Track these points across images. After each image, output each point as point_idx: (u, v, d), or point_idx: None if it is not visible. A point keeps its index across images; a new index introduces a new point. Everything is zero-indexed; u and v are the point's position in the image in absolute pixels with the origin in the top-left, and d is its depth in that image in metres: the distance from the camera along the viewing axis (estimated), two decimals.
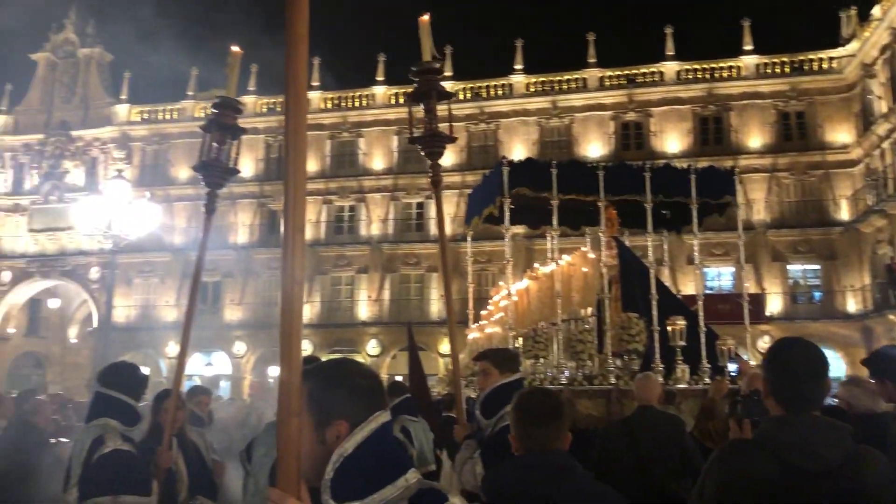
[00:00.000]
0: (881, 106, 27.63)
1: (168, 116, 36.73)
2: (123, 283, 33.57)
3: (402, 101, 33.12)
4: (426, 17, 3.63)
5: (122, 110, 37.06)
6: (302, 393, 1.57)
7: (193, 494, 4.12)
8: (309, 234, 33.40)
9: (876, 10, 28.24)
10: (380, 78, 34.53)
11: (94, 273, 34.75)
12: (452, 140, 3.86)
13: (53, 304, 35.75)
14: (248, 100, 35.08)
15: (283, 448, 1.46)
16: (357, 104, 34.80)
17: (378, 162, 34.03)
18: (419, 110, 3.82)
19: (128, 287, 34.59)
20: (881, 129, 27.44)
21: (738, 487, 2.23)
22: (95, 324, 33.96)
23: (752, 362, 9.75)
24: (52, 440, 6.23)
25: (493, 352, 4.54)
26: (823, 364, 2.34)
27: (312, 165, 34.32)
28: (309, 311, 32.93)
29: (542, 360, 8.29)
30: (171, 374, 32.15)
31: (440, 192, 4.00)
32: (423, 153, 3.85)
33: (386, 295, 32.73)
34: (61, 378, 36.27)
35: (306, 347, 32.22)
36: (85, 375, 32.26)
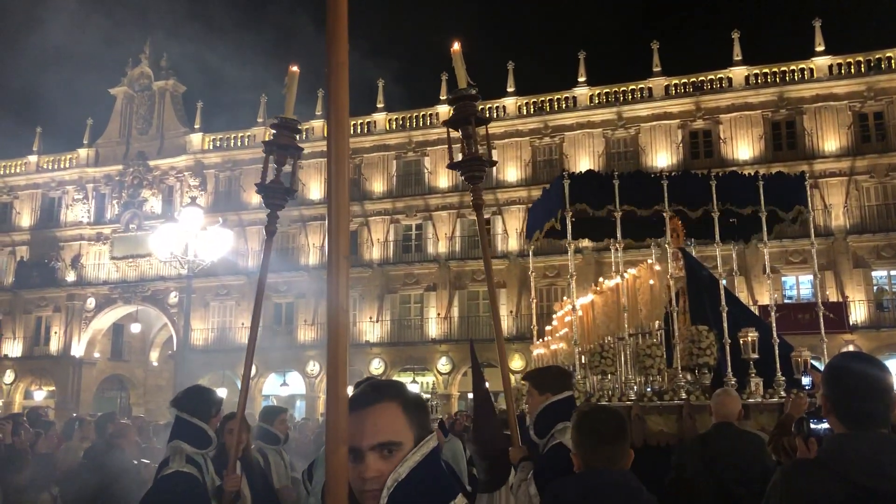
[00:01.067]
0: None
1: (239, 143, 37.83)
2: (200, 306, 34.58)
3: None
4: (457, 47, 3.69)
5: (196, 139, 38.33)
6: (392, 409, 1.59)
7: None
8: (377, 253, 33.91)
9: None
10: (443, 97, 34.81)
11: (173, 298, 35.91)
12: (493, 164, 3.92)
13: (135, 328, 37.06)
14: (317, 124, 35.84)
15: (332, 476, 1.44)
16: (421, 123, 35.14)
17: (443, 180, 34.23)
18: (458, 135, 3.90)
19: (205, 310, 35.60)
20: None
21: None
22: (175, 347, 35.05)
23: None
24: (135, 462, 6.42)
25: (534, 373, 4.54)
26: (886, 379, 2.23)
27: (379, 186, 34.81)
28: (380, 330, 33.27)
29: (609, 376, 8.15)
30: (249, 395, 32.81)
31: (482, 214, 4.07)
32: (462, 177, 3.93)
33: (455, 312, 32.79)
34: (144, 400, 37.57)
35: (378, 366, 32.53)
36: (166, 397, 33.25)
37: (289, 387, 34.59)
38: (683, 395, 7.69)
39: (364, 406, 1.57)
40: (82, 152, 40.03)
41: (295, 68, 4.04)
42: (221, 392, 4.47)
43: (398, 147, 35.04)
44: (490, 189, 30.94)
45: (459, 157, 3.86)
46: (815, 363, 9.19)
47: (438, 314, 32.92)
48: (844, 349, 25.77)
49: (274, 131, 4.12)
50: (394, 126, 35.46)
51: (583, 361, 8.46)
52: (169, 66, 39.92)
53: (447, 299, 32.90)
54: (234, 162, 37.36)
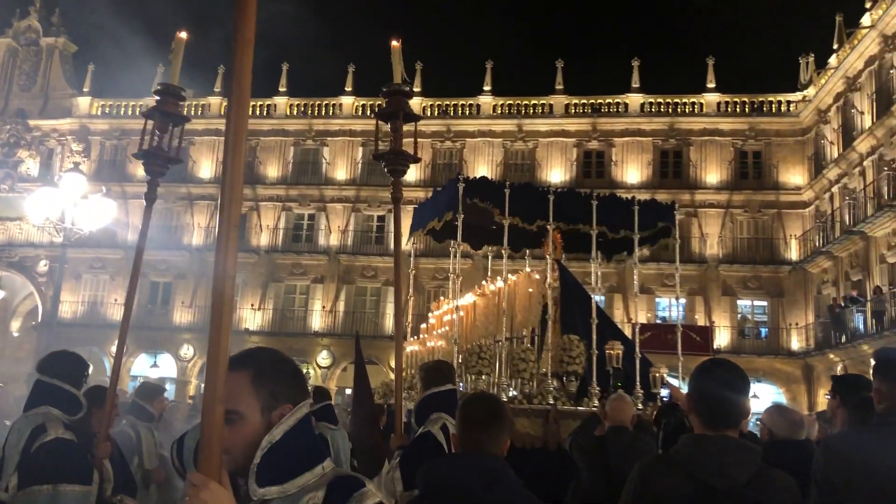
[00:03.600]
0: (833, 151, 28.54)
1: (130, 112, 36.27)
2: (72, 277, 32.91)
3: (369, 113, 33.22)
4: (397, 43, 3.81)
5: (84, 103, 36.49)
6: (240, 379, 1.64)
7: (116, 492, 4.09)
8: (265, 240, 33.28)
9: (832, 59, 29.22)
10: (348, 88, 34.59)
11: (43, 266, 34.01)
12: (416, 160, 4.04)
13: None
14: (214, 101, 34.85)
15: (206, 435, 1.50)
16: (323, 113, 34.76)
17: (341, 172, 34.00)
18: (386, 128, 4.00)
19: (76, 282, 33.91)
20: (831, 173, 28.34)
21: (654, 499, 2.35)
22: (40, 318, 33.21)
23: (684, 389, 10.05)
24: None
25: (422, 367, 4.74)
26: (744, 385, 2.46)
27: (274, 171, 34.19)
28: (261, 319, 32.67)
29: (484, 377, 8.39)
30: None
31: (399, 208, 4.17)
32: (386, 169, 4.03)
33: (341, 306, 32.60)
34: None
35: None
36: (25, 370, 31.43)
37: (159, 368, 33.40)
38: (551, 401, 8.03)
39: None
40: None
41: (183, 34, 4.00)
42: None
43: (297, 134, 34.53)
44: (387, 186, 31.01)
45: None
46: (673, 380, 9.85)
47: (323, 307, 32.64)
48: None
49: (157, 97, 4.06)
50: (295, 112, 34.92)
51: (460, 360, 8.67)
52: (61, 24, 37.79)
53: (334, 293, 32.67)
54: (122, 130, 35.77)
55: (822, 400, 20.53)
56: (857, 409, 3.26)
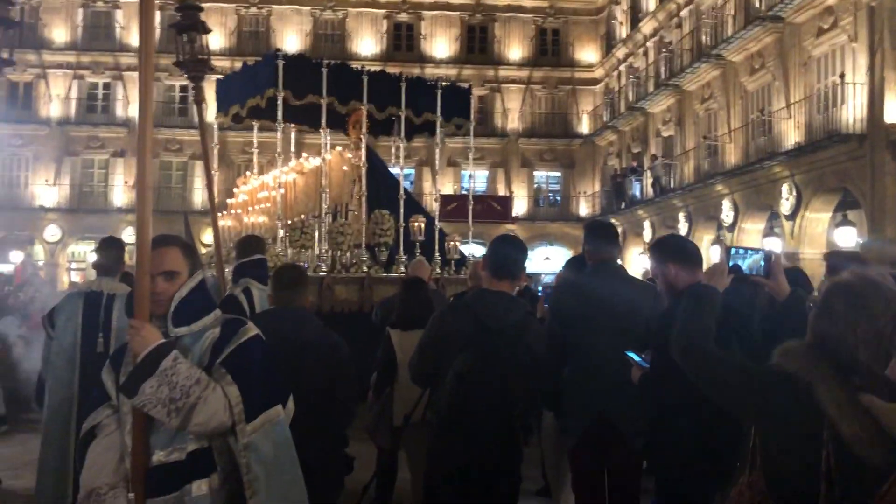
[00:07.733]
0: (622, 32, 30.75)
1: None
2: None
3: None
4: None
5: None
6: (175, 251, 2.34)
7: None
8: (57, 111, 30.94)
9: None
10: None
11: None
12: (212, 69, 4.55)
13: None
14: None
15: (139, 294, 2.22)
16: None
17: (136, 37, 31.71)
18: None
19: None
20: (620, 53, 30.65)
21: (447, 333, 3.41)
22: None
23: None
24: None
25: (237, 241, 5.73)
26: (520, 251, 3.57)
27: (61, 35, 31.40)
28: (57, 195, 30.87)
29: (307, 250, 9.16)
30: None
31: (202, 109, 4.69)
32: (186, 77, 4.51)
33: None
34: None
35: (55, 233, 30.40)
36: None
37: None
38: (365, 269, 8.99)
39: (156, 247, 2.31)
40: None
41: None
42: None
43: None
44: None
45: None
46: (465, 247, 11.35)
47: (126, 182, 31.30)
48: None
49: None
50: None
51: (282, 235, 9.35)
52: None
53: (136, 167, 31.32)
54: None
55: None
56: (573, 262, 4.75)
